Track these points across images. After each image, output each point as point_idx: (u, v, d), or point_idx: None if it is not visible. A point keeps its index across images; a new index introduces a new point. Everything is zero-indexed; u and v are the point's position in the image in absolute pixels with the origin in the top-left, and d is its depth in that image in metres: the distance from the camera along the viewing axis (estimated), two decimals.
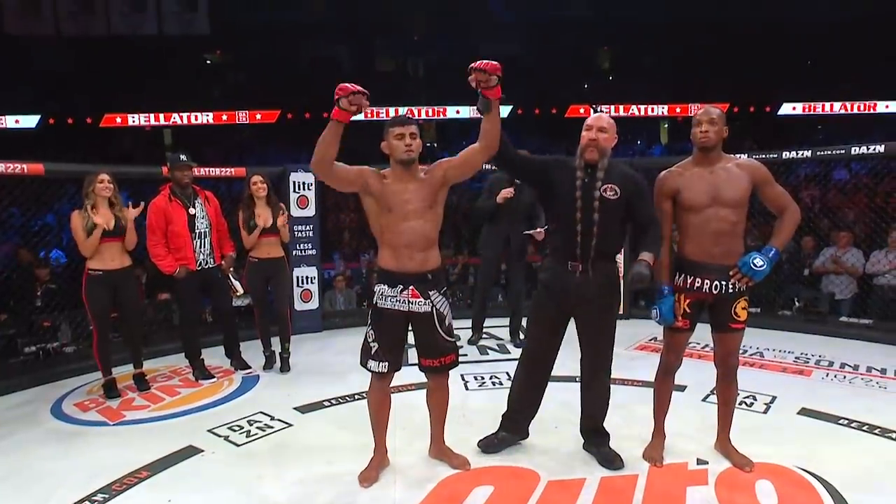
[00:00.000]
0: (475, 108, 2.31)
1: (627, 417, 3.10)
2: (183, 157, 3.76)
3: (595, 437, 2.68)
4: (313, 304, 5.17)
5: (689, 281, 2.45)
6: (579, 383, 2.70)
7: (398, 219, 2.32)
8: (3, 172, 3.63)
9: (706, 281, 2.42)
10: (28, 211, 5.48)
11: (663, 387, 2.66)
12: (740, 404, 3.06)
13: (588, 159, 2.43)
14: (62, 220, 3.44)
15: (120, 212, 3.55)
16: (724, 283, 2.40)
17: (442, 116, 14.66)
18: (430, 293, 2.40)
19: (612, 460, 2.58)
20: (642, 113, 17.59)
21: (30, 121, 14.15)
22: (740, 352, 2.61)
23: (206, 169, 4.53)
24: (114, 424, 3.23)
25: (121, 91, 14.50)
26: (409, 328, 2.46)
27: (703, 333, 2.70)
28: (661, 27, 15.90)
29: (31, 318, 4.69)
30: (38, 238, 6.41)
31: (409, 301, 2.38)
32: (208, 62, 17.15)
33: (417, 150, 2.34)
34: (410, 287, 2.37)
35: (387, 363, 2.41)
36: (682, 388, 3.33)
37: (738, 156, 2.63)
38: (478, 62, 2.12)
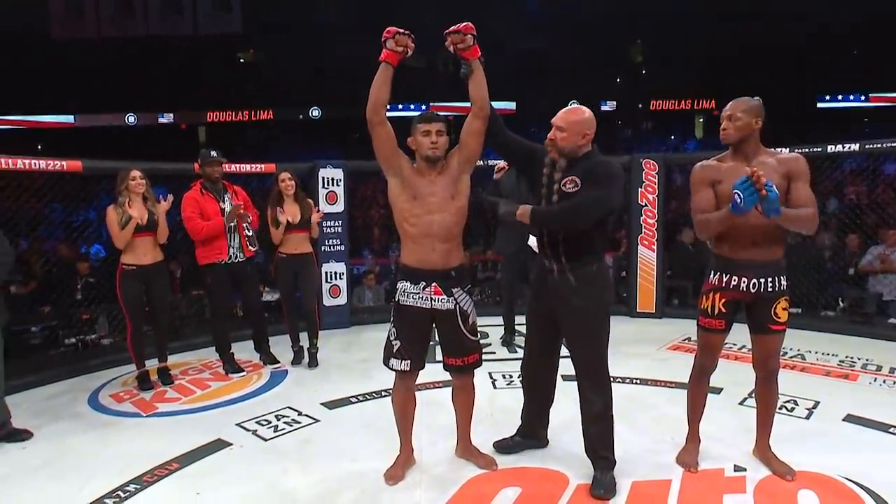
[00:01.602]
0: (461, 72, 2.33)
1: (659, 420, 3.00)
2: (213, 152, 3.81)
3: (596, 461, 2.39)
4: (341, 299, 5.19)
5: (724, 279, 2.34)
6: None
7: (422, 210, 2.30)
8: (44, 169, 3.73)
9: (744, 279, 2.30)
10: (69, 206, 5.65)
11: (697, 389, 2.56)
12: (780, 409, 2.92)
13: (551, 158, 2.38)
14: (102, 215, 3.57)
15: (153, 206, 3.62)
16: (762, 280, 2.29)
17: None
18: (454, 290, 2.37)
19: (605, 486, 2.29)
20: (676, 107, 17.21)
21: (82, 119, 14.71)
22: (780, 354, 2.48)
23: (237, 165, 4.59)
24: (147, 416, 3.29)
25: (156, 89, 14.87)
26: (434, 326, 2.43)
27: (739, 335, 2.59)
28: (694, 19, 15.45)
29: (70, 311, 4.84)
30: (77, 233, 6.61)
31: (431, 298, 2.35)
32: (241, 60, 17.44)
33: (443, 148, 2.33)
34: (433, 284, 2.34)
35: (409, 361, 2.39)
36: (717, 391, 3.21)
37: (779, 150, 2.49)
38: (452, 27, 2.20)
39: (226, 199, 3.84)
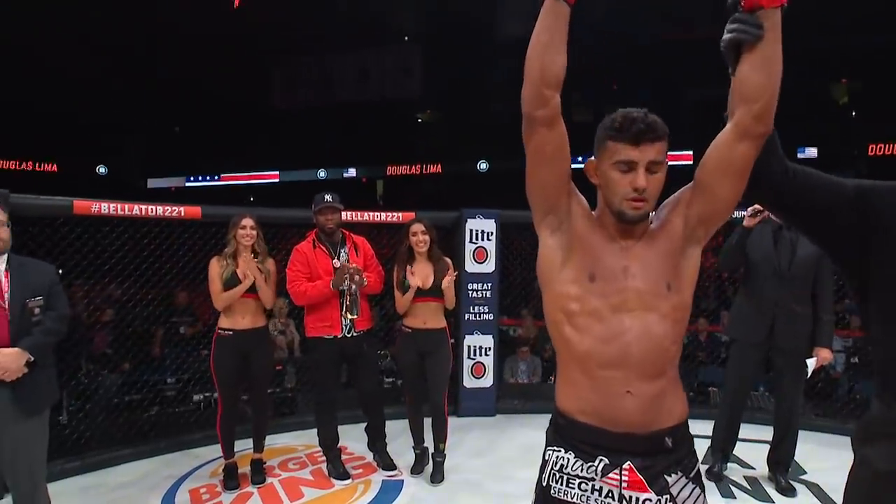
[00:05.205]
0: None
1: None
2: (328, 196, 2.86)
3: None
4: (486, 381, 3.89)
5: None
6: None
7: (605, 304, 1.05)
8: (161, 215, 3.16)
9: None
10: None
11: None
12: None
13: None
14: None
15: (262, 263, 2.79)
16: None
17: None
18: (669, 478, 1.04)
19: None
20: None
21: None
22: None
23: (371, 213, 3.68)
24: None
25: (344, 147, 15.75)
26: None
27: None
28: None
29: (204, 366, 4.28)
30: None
31: (620, 493, 1.03)
32: (419, 120, 17.82)
33: (653, 198, 1.06)
34: (626, 463, 1.03)
35: None
36: None
37: None
38: None
39: (341, 254, 2.87)
